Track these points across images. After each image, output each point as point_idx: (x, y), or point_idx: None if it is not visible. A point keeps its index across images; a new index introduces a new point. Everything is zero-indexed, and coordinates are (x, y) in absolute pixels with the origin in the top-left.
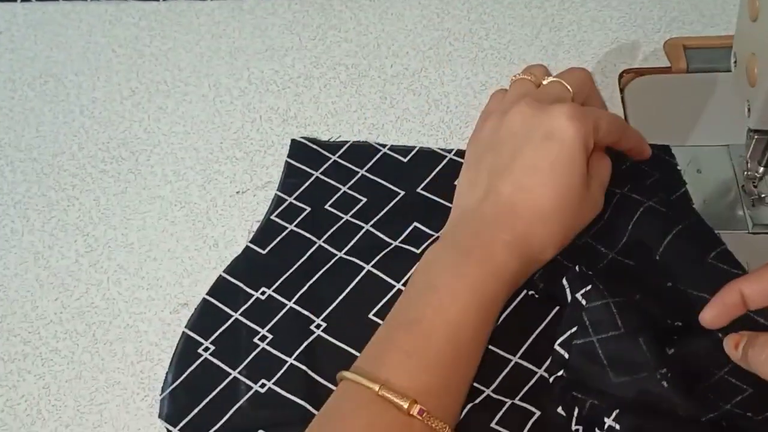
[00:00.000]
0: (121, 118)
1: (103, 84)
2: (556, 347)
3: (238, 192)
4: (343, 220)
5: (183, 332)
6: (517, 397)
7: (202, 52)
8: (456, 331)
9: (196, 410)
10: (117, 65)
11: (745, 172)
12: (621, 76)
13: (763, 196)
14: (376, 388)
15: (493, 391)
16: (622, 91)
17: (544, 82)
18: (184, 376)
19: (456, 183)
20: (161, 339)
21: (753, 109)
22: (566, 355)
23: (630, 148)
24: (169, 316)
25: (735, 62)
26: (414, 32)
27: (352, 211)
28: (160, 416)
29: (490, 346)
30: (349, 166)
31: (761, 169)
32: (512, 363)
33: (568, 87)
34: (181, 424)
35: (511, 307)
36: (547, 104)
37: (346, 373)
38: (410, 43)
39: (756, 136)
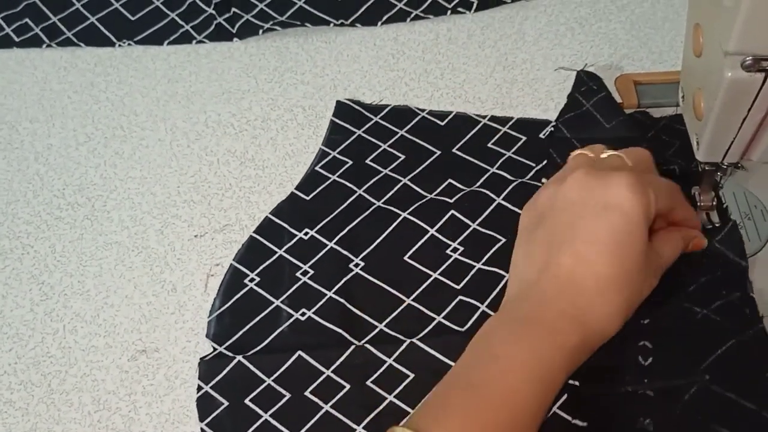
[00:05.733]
0: (76, 164)
1: (59, 130)
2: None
3: (196, 236)
4: (382, 174)
5: (231, 264)
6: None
7: (159, 96)
8: (515, 398)
9: (240, 332)
10: (72, 111)
11: (699, 204)
12: None
13: (717, 225)
14: None
15: None
16: None
17: (603, 156)
18: (231, 302)
19: (513, 255)
20: (119, 387)
21: (701, 142)
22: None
23: (681, 219)
24: (127, 363)
25: (683, 97)
26: (370, 73)
27: (391, 166)
28: (207, 336)
29: None
30: (390, 126)
31: (713, 200)
32: None
33: (627, 160)
34: (227, 344)
35: None
36: (604, 172)
37: (403, 431)
38: (366, 83)
39: (706, 168)
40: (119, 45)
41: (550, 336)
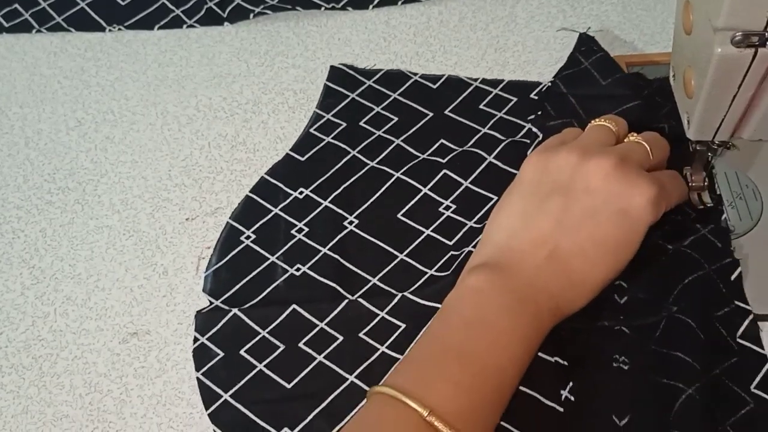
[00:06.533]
0: (67, 148)
1: (49, 115)
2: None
3: (187, 219)
4: (375, 135)
5: (227, 222)
6: None
7: (149, 81)
8: (502, 375)
9: (236, 287)
10: (62, 96)
11: (690, 183)
12: None
13: (709, 205)
14: (425, 413)
15: None
16: None
17: (628, 139)
18: (227, 258)
19: (503, 200)
20: (110, 370)
21: (691, 120)
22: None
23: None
24: (118, 346)
25: (674, 76)
26: (361, 56)
27: (385, 128)
28: (203, 290)
29: None
30: (383, 90)
31: (705, 179)
32: None
33: (651, 155)
34: (223, 298)
35: None
36: (633, 172)
37: (388, 390)
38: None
39: (697, 147)
40: (109, 30)
41: (536, 321)
